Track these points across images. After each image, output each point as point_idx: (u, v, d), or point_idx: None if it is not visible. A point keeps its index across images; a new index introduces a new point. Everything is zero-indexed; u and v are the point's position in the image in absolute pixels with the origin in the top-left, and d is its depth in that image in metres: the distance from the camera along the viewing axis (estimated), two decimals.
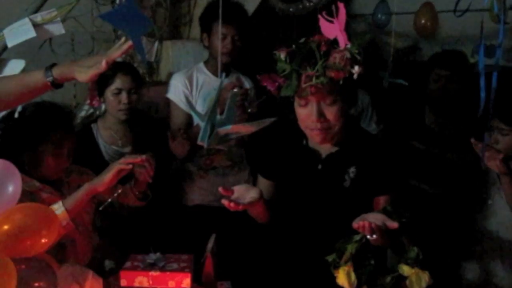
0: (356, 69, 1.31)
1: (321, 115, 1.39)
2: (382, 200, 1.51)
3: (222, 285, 1.60)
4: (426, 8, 2.65)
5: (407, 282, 1.33)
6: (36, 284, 1.06)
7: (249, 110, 2.30)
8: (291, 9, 2.36)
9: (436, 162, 2.33)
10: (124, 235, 1.99)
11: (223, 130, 1.18)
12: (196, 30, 2.50)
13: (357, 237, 1.33)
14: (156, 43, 2.60)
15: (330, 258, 1.34)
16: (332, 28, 1.35)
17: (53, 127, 1.62)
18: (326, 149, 1.52)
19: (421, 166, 2.27)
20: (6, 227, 1.04)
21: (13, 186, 1.15)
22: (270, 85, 1.40)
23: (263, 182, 1.64)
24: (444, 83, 2.32)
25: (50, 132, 1.61)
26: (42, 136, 1.60)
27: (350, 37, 1.36)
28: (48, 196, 1.62)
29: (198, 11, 2.39)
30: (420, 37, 2.86)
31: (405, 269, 1.34)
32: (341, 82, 1.33)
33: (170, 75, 2.50)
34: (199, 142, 1.19)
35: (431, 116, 2.41)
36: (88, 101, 2.24)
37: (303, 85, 1.35)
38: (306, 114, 1.41)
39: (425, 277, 1.32)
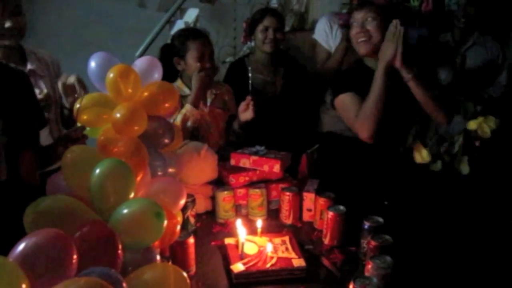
0: None
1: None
2: None
3: (311, 181, 1.95)
4: None
5: (479, 132, 1.41)
6: (160, 133, 1.61)
7: None
8: None
9: None
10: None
11: None
12: None
13: None
14: None
15: None
16: None
17: (193, 37, 2.20)
18: None
19: None
20: (146, 93, 1.60)
21: (158, 74, 1.72)
22: None
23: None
24: None
25: (191, 39, 2.19)
26: (186, 43, 2.19)
27: None
28: None
29: None
30: None
31: (471, 123, 1.42)
32: None
33: (315, 23, 2.88)
34: None
35: None
36: (242, 40, 2.78)
37: None
38: None
39: (491, 120, 1.38)
